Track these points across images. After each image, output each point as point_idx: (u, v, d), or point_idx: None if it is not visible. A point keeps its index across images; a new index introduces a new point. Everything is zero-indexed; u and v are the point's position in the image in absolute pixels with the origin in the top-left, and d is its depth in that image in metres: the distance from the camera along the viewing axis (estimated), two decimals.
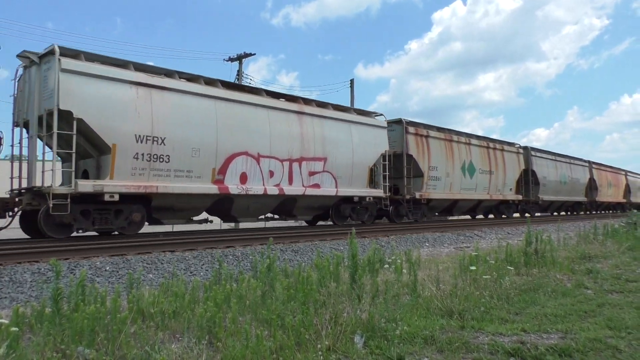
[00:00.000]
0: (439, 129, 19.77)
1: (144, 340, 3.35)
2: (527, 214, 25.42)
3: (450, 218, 24.06)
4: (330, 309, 4.00)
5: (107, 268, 7.37)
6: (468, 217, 24.48)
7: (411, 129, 18.07)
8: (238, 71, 30.84)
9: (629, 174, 44.46)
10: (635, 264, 7.74)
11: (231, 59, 31.07)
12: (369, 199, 16.14)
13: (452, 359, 3.36)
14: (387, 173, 16.49)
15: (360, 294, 4.63)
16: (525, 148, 25.90)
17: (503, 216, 24.18)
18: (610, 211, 40.34)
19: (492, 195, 22.34)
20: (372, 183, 16.43)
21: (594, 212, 34.93)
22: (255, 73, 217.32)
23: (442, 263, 7.52)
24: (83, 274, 3.97)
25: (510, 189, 23.74)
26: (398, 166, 17.39)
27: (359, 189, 15.76)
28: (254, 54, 40.68)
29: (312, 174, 14.30)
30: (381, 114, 17.21)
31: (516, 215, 25.47)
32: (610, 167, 39.56)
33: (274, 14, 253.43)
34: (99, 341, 3.22)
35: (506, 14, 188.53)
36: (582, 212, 33.85)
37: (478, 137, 22.33)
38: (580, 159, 32.97)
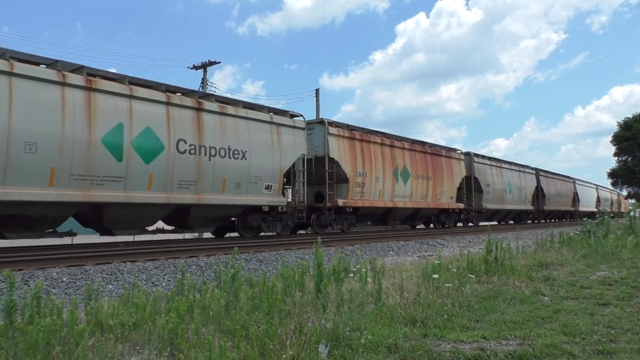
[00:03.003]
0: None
1: (102, 353, 3.26)
2: None
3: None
4: (295, 318, 3.99)
5: (64, 279, 7.12)
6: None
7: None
8: (203, 79, 30.57)
9: (477, 159, 24.94)
10: (589, 271, 8.03)
11: (196, 67, 30.78)
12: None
13: None
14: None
15: (325, 303, 4.63)
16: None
17: None
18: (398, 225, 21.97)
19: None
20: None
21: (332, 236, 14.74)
22: (221, 81, 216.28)
23: (406, 271, 7.61)
24: (39, 285, 3.83)
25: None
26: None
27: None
28: (219, 62, 40.52)
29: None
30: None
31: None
32: (428, 144, 21.06)
33: (240, 23, 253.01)
34: (55, 354, 3.11)
35: (468, 27, 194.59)
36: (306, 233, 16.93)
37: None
38: (299, 116, 14.88)
